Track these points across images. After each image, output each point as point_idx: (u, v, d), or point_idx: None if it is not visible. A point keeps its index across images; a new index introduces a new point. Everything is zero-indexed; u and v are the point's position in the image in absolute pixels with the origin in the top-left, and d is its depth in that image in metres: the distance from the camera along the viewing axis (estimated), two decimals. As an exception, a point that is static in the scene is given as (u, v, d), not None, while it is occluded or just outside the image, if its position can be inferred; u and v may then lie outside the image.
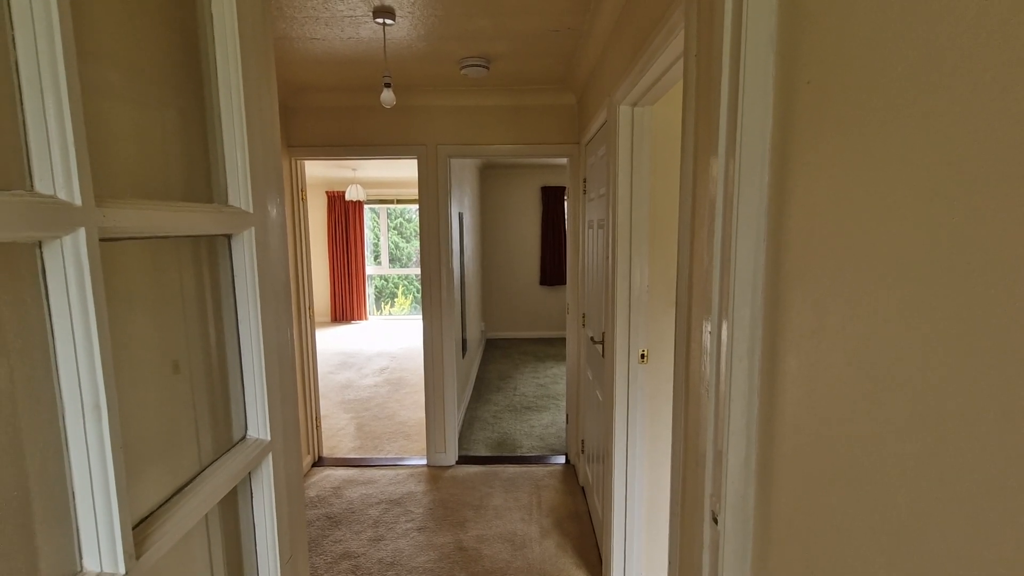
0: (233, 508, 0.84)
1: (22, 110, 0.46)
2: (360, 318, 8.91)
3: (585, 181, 3.14)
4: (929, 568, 0.51)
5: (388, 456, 3.77)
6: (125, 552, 0.52)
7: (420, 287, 10.04)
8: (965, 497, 0.46)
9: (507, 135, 3.38)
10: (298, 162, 3.42)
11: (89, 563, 0.52)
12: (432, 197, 3.42)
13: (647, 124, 2.06)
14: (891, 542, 0.56)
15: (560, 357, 6.38)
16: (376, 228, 9.27)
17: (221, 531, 0.81)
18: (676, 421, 1.31)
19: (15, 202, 0.44)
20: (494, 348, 6.95)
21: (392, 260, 9.64)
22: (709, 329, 0.97)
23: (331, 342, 7.43)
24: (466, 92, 3.27)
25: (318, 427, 3.71)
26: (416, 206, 9.47)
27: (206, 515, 0.74)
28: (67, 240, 0.48)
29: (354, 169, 7.42)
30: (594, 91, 2.70)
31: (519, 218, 7.45)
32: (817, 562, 0.71)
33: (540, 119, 3.37)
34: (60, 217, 0.47)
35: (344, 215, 8.70)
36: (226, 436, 0.80)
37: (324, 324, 8.73)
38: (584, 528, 2.84)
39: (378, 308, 9.93)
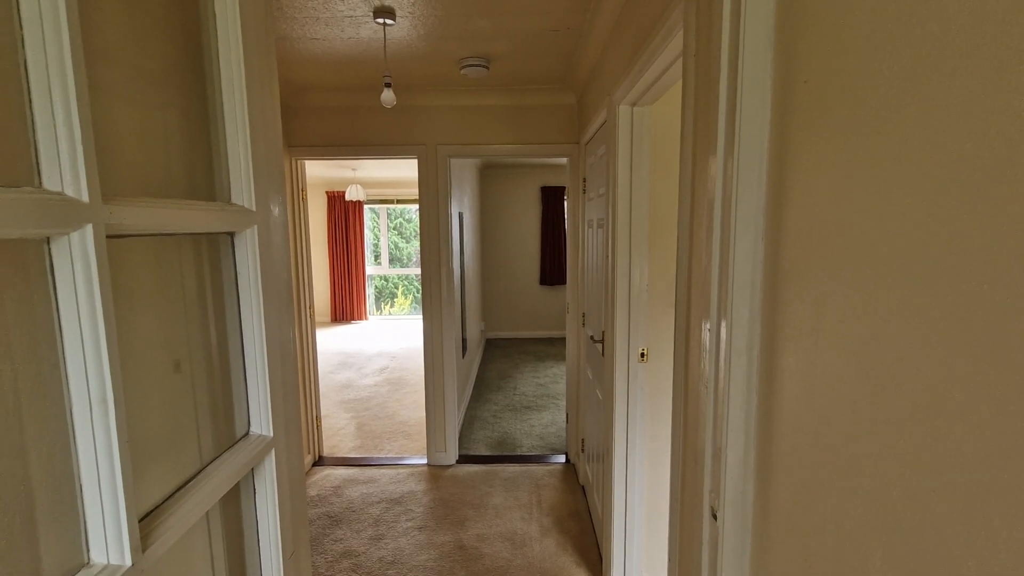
0: (236, 504, 0.85)
1: (31, 108, 0.46)
2: (360, 318, 8.92)
3: (585, 181, 3.14)
4: (926, 564, 0.51)
5: (388, 455, 3.77)
6: (132, 545, 0.53)
7: (420, 287, 10.03)
8: (962, 493, 0.47)
9: (507, 135, 3.39)
10: (298, 162, 3.43)
11: (96, 555, 0.52)
12: (432, 197, 3.42)
13: (646, 124, 2.06)
14: (888, 538, 0.57)
15: (560, 357, 6.39)
16: (376, 228, 9.28)
17: (224, 527, 0.82)
18: (675, 419, 1.32)
19: (24, 199, 0.44)
20: (494, 348, 6.95)
21: (392, 260, 9.65)
22: (708, 327, 0.98)
23: (331, 342, 7.44)
24: (466, 92, 3.28)
25: (318, 426, 3.72)
26: (415, 206, 9.48)
27: (209, 511, 0.75)
28: (75, 236, 0.49)
29: (354, 169, 7.43)
30: (594, 91, 2.71)
31: (519, 218, 7.46)
32: (815, 557, 0.72)
33: (540, 119, 3.38)
34: (68, 214, 0.48)
35: (344, 215, 8.70)
36: (229, 432, 0.80)
37: (324, 324, 8.73)
38: (584, 526, 2.85)
39: (378, 308, 9.94)
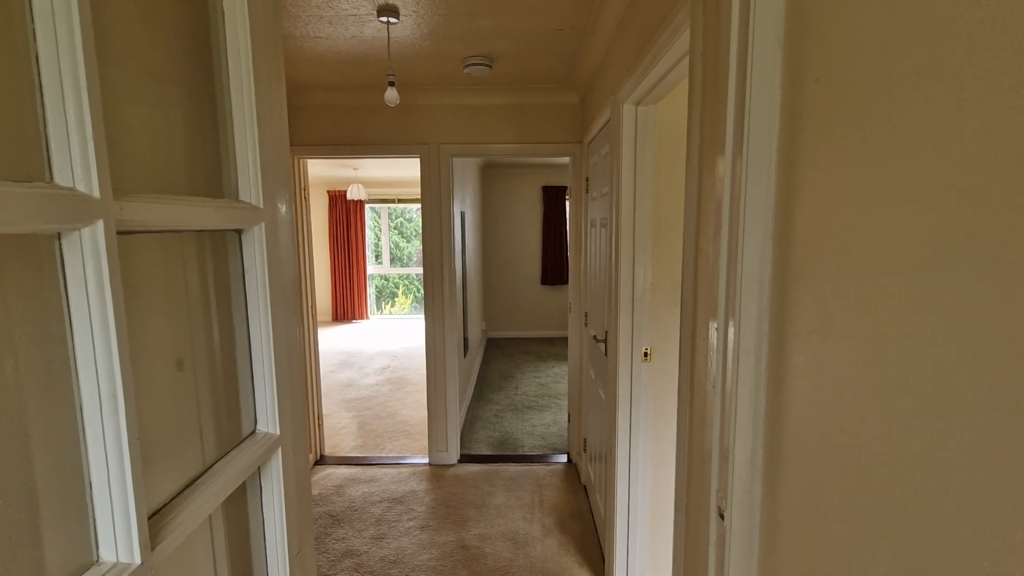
0: (242, 502, 0.84)
1: (42, 103, 0.46)
2: (361, 317, 8.92)
3: (587, 180, 3.14)
4: (937, 564, 0.51)
5: (390, 455, 3.77)
6: (141, 543, 0.53)
7: (420, 287, 10.01)
8: (974, 493, 0.47)
9: (510, 134, 3.38)
10: (301, 161, 3.43)
11: (105, 553, 0.52)
12: (435, 196, 3.42)
13: (651, 123, 2.06)
14: (898, 538, 0.56)
15: (561, 356, 6.38)
16: (377, 228, 9.28)
17: (230, 525, 0.81)
18: (681, 418, 1.32)
19: (35, 194, 0.44)
20: (495, 347, 6.95)
21: (393, 260, 9.65)
22: (715, 326, 0.97)
23: (332, 341, 7.44)
24: (469, 91, 3.28)
25: (320, 426, 3.72)
26: (416, 206, 9.49)
27: (215, 509, 0.74)
28: (86, 232, 0.48)
29: (355, 168, 7.43)
30: (597, 90, 2.71)
31: (520, 218, 7.46)
32: (823, 557, 0.71)
33: (543, 118, 3.38)
34: (79, 209, 0.47)
35: (345, 214, 8.70)
36: (236, 431, 0.80)
37: (325, 323, 8.74)
38: (586, 527, 2.85)
39: (379, 308, 9.95)
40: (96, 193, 0.49)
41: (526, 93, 3.31)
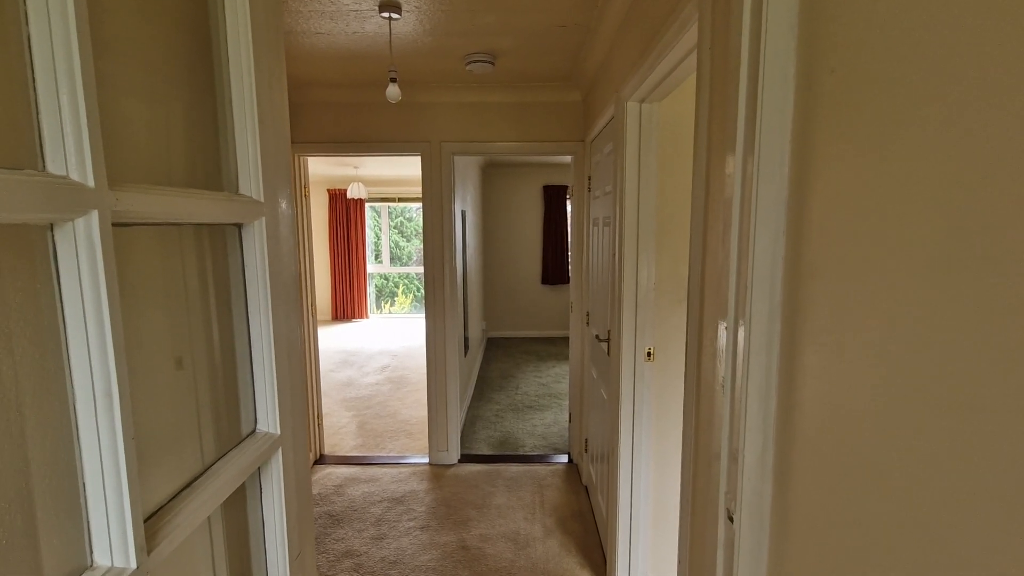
0: (241, 503, 0.82)
1: (34, 87, 0.44)
2: (361, 316, 8.90)
3: (590, 179, 3.12)
4: (962, 568, 0.49)
5: (390, 454, 3.75)
6: (137, 546, 0.51)
7: (419, 286, 10.00)
8: (1002, 497, 0.45)
9: (511, 132, 3.36)
10: (301, 158, 3.41)
11: (100, 557, 0.50)
12: (436, 194, 3.40)
13: (655, 121, 2.04)
14: (920, 544, 0.55)
15: (562, 356, 6.36)
16: (377, 227, 9.26)
17: (229, 527, 0.79)
18: (687, 419, 1.30)
19: (27, 182, 0.42)
20: (495, 347, 6.93)
21: (393, 259, 9.63)
22: (725, 326, 0.96)
23: (332, 340, 7.42)
24: (471, 89, 3.26)
25: (320, 425, 3.70)
26: (416, 205, 9.47)
27: (214, 511, 0.72)
28: (80, 223, 0.46)
29: (356, 167, 7.42)
30: (600, 88, 2.69)
31: (521, 217, 7.44)
32: (839, 562, 0.70)
33: (545, 116, 3.36)
34: (73, 198, 0.45)
35: (345, 213, 8.68)
36: (235, 430, 0.78)
37: (325, 322, 8.72)
38: (588, 527, 2.83)
39: (378, 307, 9.93)
40: (90, 182, 0.47)
41: (528, 91, 3.29)
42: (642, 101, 2.00)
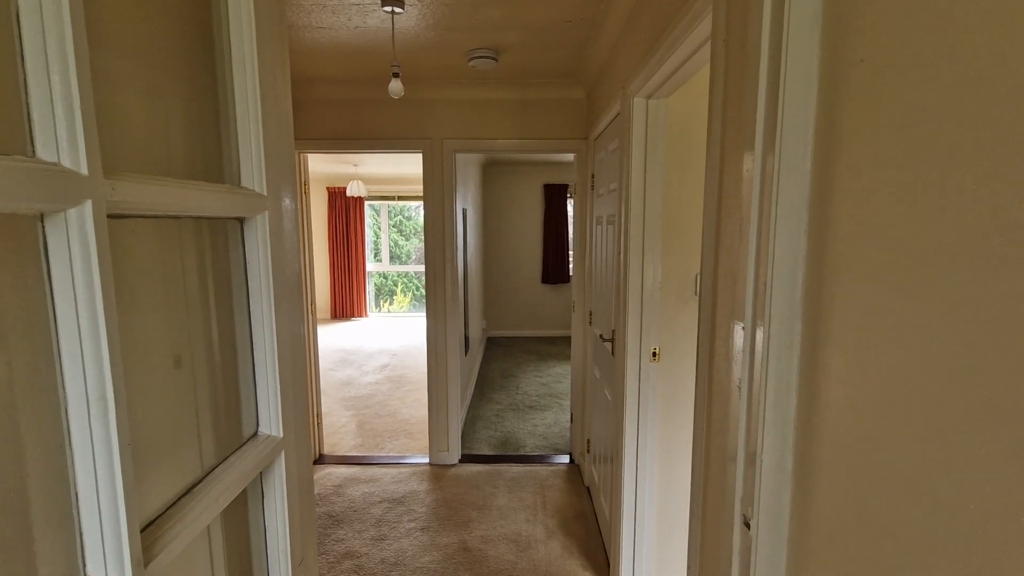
0: (242, 509, 0.79)
1: (23, 67, 0.41)
2: (360, 315, 8.87)
3: (593, 176, 3.09)
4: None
5: (390, 454, 3.72)
6: (133, 558, 0.48)
7: (419, 284, 9.98)
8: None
9: (514, 129, 3.33)
10: (302, 155, 3.37)
11: (93, 570, 0.47)
12: (437, 192, 3.37)
13: (662, 117, 2.01)
14: (960, 551, 0.52)
15: (562, 356, 6.34)
16: (376, 226, 9.22)
17: (230, 534, 0.76)
18: (698, 421, 1.27)
19: (15, 168, 0.39)
20: (496, 346, 6.90)
21: (392, 258, 9.59)
22: (742, 326, 0.93)
23: (331, 339, 7.38)
24: (473, 85, 3.22)
25: (319, 424, 3.67)
26: (415, 204, 9.43)
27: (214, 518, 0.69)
28: (72, 213, 0.43)
29: (355, 165, 7.38)
30: (605, 85, 2.66)
31: (521, 216, 7.41)
32: (863, 570, 0.67)
33: (548, 113, 3.33)
34: (65, 187, 0.42)
35: (345, 211, 8.65)
36: (236, 433, 0.75)
37: (324, 321, 8.68)
38: (590, 529, 2.80)
39: (377, 305, 9.90)
40: (84, 170, 0.43)
41: (531, 88, 3.26)
42: (649, 97, 1.97)
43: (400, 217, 10.37)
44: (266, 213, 0.74)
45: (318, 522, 2.86)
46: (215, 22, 0.73)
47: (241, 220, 0.73)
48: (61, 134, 0.42)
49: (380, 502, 3.07)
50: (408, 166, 7.39)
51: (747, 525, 0.91)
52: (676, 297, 2.11)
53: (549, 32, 2.45)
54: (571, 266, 7.34)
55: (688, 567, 1.31)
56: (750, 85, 0.92)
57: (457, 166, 3.75)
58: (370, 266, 9.11)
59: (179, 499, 0.60)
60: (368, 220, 9.05)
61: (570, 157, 6.41)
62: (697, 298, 2.12)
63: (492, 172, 7.33)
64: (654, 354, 2.10)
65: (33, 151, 0.42)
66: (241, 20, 0.72)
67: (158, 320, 0.63)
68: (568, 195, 7.30)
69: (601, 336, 2.62)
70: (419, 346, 6.83)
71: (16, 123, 0.42)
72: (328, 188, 8.66)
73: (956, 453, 0.52)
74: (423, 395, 4.81)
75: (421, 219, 10.29)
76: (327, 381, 5.43)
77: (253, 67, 0.73)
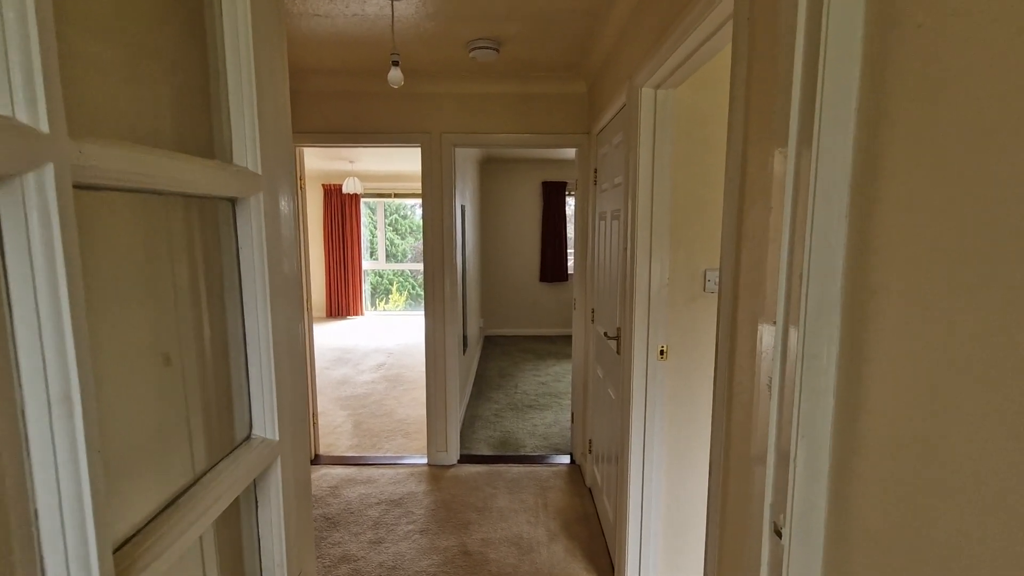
0: (234, 519, 0.72)
1: (-32, 0, 0.34)
2: (356, 313, 8.78)
3: (596, 172, 3.03)
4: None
5: (387, 455, 3.65)
6: (104, 585, 0.41)
7: (415, 283, 9.89)
8: None
9: (515, 124, 3.26)
10: (298, 149, 3.29)
11: (57, 600, 0.40)
12: (436, 188, 3.30)
13: (670, 108, 1.95)
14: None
15: (561, 355, 6.28)
16: (372, 224, 9.13)
17: (220, 545, 0.69)
18: (716, 422, 1.21)
19: (-46, 120, 0.32)
20: (493, 345, 6.84)
21: (388, 256, 9.50)
22: (772, 322, 0.86)
23: (327, 337, 7.30)
24: (473, 79, 3.15)
25: (315, 424, 3.59)
26: (412, 202, 9.34)
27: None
28: (30, 179, 0.36)
29: (351, 162, 7.29)
30: (609, 77, 2.59)
31: (519, 213, 7.34)
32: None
33: (549, 108, 3.26)
34: (22, 146, 0.35)
35: (340, 209, 8.55)
36: (227, 436, 0.68)
37: (320, 319, 8.58)
38: (593, 531, 2.74)
39: (373, 304, 9.81)
40: (44, 127, 0.37)
41: (532, 81, 3.19)
42: (658, 87, 1.90)
43: (396, 216, 10.30)
44: (260, 195, 0.67)
45: (313, 525, 2.79)
46: (205, -16, 0.66)
47: (233, 201, 0.66)
48: (16, 83, 0.35)
49: (377, 504, 3.00)
50: (404, 163, 7.31)
51: (778, 534, 0.85)
52: (685, 293, 2.05)
53: (552, 22, 2.38)
54: (570, 264, 7.29)
55: (706, 574, 1.25)
56: (782, 63, 0.86)
57: (456, 162, 3.69)
58: (366, 264, 9.02)
59: (160, 513, 0.53)
60: (364, 219, 8.96)
61: (569, 155, 6.35)
62: (707, 294, 2.06)
63: (490, 169, 7.26)
64: (662, 352, 2.04)
65: (-21, 102, 0.35)
66: (233, -19, 0.65)
67: (138, 311, 0.56)
68: (567, 192, 7.24)
69: (605, 334, 2.56)
70: (415, 345, 6.75)
71: (-41, 68, 0.35)
72: (324, 185, 8.56)
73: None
74: (420, 394, 4.74)
75: (417, 218, 10.18)
76: (323, 380, 5.34)
77: (247, 34, 0.66)
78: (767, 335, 0.90)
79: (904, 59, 0.64)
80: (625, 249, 2.14)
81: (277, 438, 0.70)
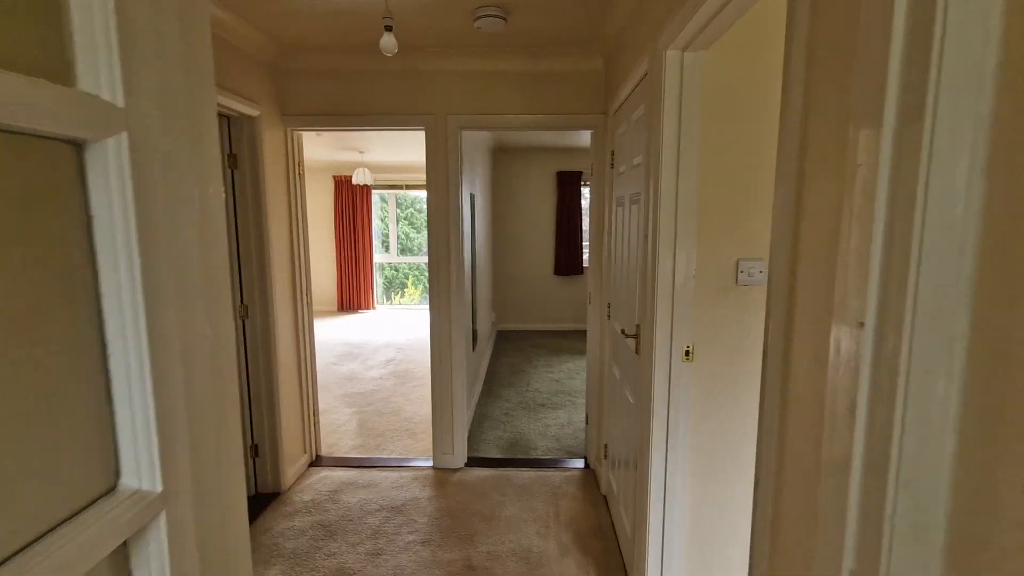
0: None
1: None
2: (367, 307, 8.64)
3: (613, 154, 2.78)
4: None
5: (391, 456, 3.47)
6: None
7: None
8: None
9: (525, 104, 3.03)
10: (294, 133, 3.10)
11: None
12: (441, 173, 3.08)
13: (699, 74, 1.70)
14: None
15: (575, 351, 6.05)
16: (385, 216, 8.97)
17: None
18: (765, 442, 0.97)
19: None
20: (505, 340, 6.63)
21: (403, 250, 9.34)
22: (857, 323, 0.63)
23: (337, 332, 7.16)
24: (479, 55, 2.92)
25: (316, 424, 3.42)
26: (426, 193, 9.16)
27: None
28: None
29: (361, 152, 7.11)
30: (628, 48, 2.35)
31: (533, 204, 7.10)
32: None
33: (562, 87, 3.02)
34: None
35: (351, 201, 8.40)
36: (71, 490, 0.47)
37: (331, 313, 8.47)
38: (608, 544, 2.52)
39: (388, 298, 9.68)
40: None
41: (544, 58, 2.95)
42: (684, 49, 1.66)
43: (411, 209, 10.14)
44: (123, 135, 0.46)
45: (309, 533, 2.61)
46: None
47: (79, 144, 0.45)
48: None
49: (378, 510, 2.82)
50: (416, 153, 7.10)
51: (863, 612, 0.62)
52: (714, 286, 1.81)
53: (565, -16, 2.14)
54: (585, 257, 7.04)
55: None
56: (874, 10, 0.63)
57: (464, 149, 3.47)
58: (379, 257, 8.88)
59: None
60: (378, 212, 8.81)
61: (585, 143, 6.08)
62: (739, 287, 1.81)
63: (502, 158, 7.02)
64: (687, 353, 1.80)
65: None
66: None
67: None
68: (583, 183, 6.98)
69: (623, 332, 2.33)
70: (427, 339, 6.57)
71: None
72: (335, 176, 8.41)
73: None
74: (429, 391, 4.56)
75: (429, 209, 9.99)
76: (329, 376, 5.19)
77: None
78: (847, 340, 0.67)
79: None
80: (646, 237, 1.91)
81: (159, 488, 0.49)
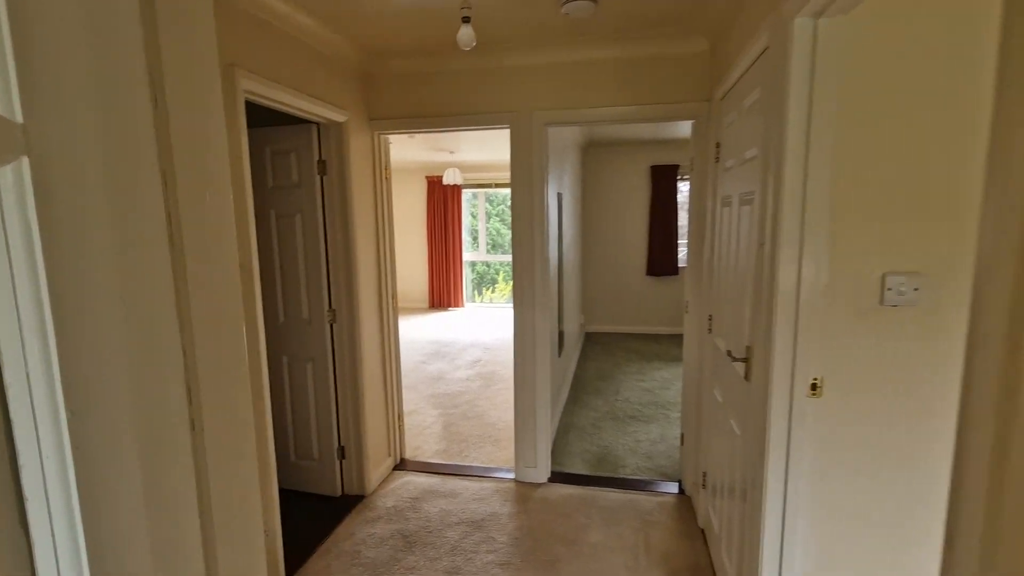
0: None
1: None
2: (456, 305, 8.76)
3: (718, 146, 2.45)
4: None
5: (473, 464, 3.38)
6: None
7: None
8: None
9: (618, 95, 2.77)
10: (380, 137, 3.09)
11: None
12: (525, 172, 2.92)
13: (836, 47, 1.38)
14: None
15: (669, 357, 5.65)
16: (476, 213, 9.02)
17: None
18: (963, 543, 0.70)
19: None
20: (593, 343, 6.36)
21: (495, 247, 9.36)
22: None
23: (426, 330, 7.30)
24: (565, 44, 2.71)
25: (400, 426, 3.42)
26: (514, 190, 9.08)
27: None
28: None
29: (452, 152, 7.17)
30: (740, 22, 2.02)
31: (624, 201, 6.74)
32: None
33: (658, 73, 2.72)
34: None
35: (443, 200, 8.53)
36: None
37: (421, 310, 8.69)
38: (707, 590, 2.23)
39: (479, 292, 9.77)
40: None
41: (638, 42, 2.68)
42: (819, 15, 1.34)
43: (502, 206, 10.13)
44: (23, 160, 0.33)
45: (389, 542, 2.58)
46: None
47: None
48: None
49: (458, 524, 2.73)
50: (506, 151, 7.04)
51: None
52: (850, 306, 1.47)
53: (665, -46, 1.87)
54: (681, 255, 6.56)
55: None
56: None
57: (552, 146, 3.28)
58: (468, 255, 8.96)
59: None
60: (469, 208, 8.89)
61: (681, 134, 5.63)
62: (886, 308, 1.46)
63: (592, 154, 6.74)
64: (814, 386, 1.49)
65: None
66: None
67: None
68: (679, 177, 6.50)
69: (729, 353, 2.02)
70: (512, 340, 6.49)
71: None
72: (427, 177, 8.59)
73: None
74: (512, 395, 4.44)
75: (518, 207, 9.92)
76: (418, 375, 5.26)
77: None
78: None
79: None
80: (761, 245, 1.60)
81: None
